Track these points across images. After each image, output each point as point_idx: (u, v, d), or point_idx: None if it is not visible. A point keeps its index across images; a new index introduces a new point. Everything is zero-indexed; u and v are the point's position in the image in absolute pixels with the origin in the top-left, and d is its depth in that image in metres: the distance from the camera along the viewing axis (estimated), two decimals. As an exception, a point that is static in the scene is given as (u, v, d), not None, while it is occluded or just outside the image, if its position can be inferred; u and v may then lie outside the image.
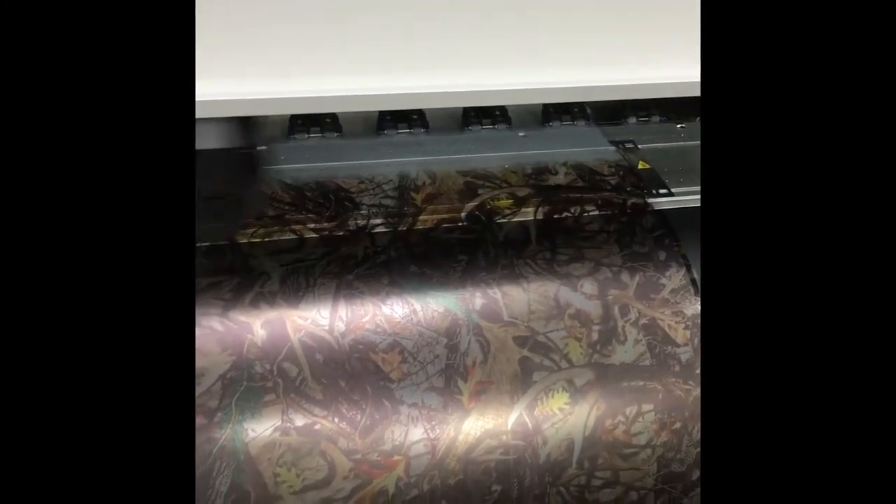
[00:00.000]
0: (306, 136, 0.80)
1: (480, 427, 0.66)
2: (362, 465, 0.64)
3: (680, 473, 0.70)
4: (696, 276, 0.73)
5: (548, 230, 0.74)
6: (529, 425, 0.67)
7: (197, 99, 0.55)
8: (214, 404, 0.62)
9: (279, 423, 0.62)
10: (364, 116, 0.83)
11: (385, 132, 0.82)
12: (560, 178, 0.79)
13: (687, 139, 0.88)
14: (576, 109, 0.88)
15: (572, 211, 0.76)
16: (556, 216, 0.75)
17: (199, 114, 0.55)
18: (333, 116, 0.81)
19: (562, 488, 0.68)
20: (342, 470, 0.63)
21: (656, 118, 0.90)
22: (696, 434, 0.70)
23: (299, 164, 0.77)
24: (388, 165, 0.78)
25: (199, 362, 0.62)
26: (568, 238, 0.73)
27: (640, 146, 0.85)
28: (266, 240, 0.68)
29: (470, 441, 0.66)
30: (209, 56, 0.55)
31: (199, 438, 0.61)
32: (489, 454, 0.66)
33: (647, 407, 0.69)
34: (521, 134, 0.86)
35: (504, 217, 0.74)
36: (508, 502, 0.67)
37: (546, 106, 0.87)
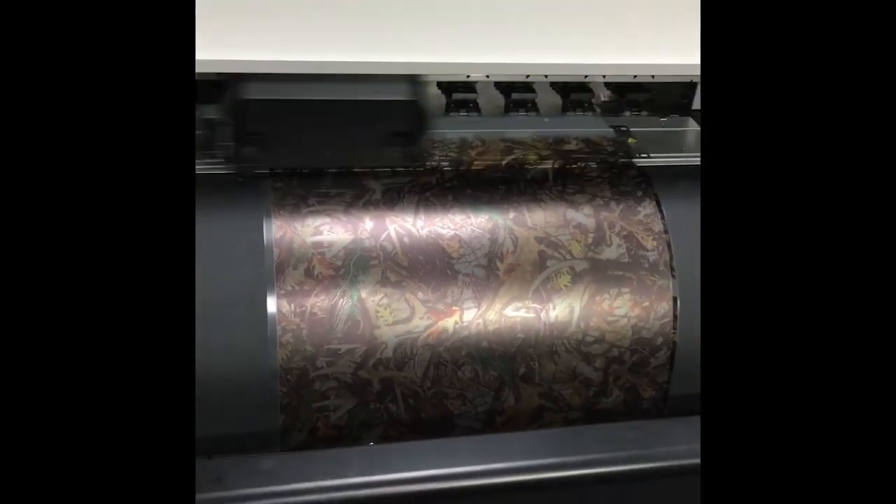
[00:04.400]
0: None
1: (511, 293, 0.99)
2: (432, 311, 0.97)
3: (648, 339, 1.02)
4: (663, 207, 1.05)
5: (561, 174, 1.07)
6: (543, 294, 1.00)
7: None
8: (339, 263, 0.96)
9: (379, 278, 0.96)
10: (437, 103, 1.18)
11: (450, 114, 1.17)
12: (572, 146, 1.13)
13: (667, 126, 1.22)
14: (586, 104, 1.22)
15: (579, 164, 1.09)
16: (567, 166, 1.09)
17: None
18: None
19: (565, 340, 1.00)
20: (419, 312, 0.96)
21: (645, 113, 1.24)
22: (660, 311, 1.02)
23: None
24: (453, 134, 1.13)
25: (329, 237, 0.96)
26: (575, 179, 1.07)
27: (631, 129, 1.19)
28: (371, 169, 1.03)
29: (504, 301, 0.99)
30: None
31: (330, 285, 0.95)
32: (516, 311, 0.99)
33: (625, 289, 1.01)
34: (545, 119, 1.20)
35: (531, 165, 1.08)
36: (528, 347, 0.99)
37: (565, 101, 1.21)
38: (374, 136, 0.98)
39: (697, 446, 0.88)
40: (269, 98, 0.92)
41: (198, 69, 0.80)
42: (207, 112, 0.97)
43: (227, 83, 0.95)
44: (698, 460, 0.81)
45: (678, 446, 0.94)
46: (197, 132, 0.95)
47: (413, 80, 0.97)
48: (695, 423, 0.95)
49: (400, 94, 0.96)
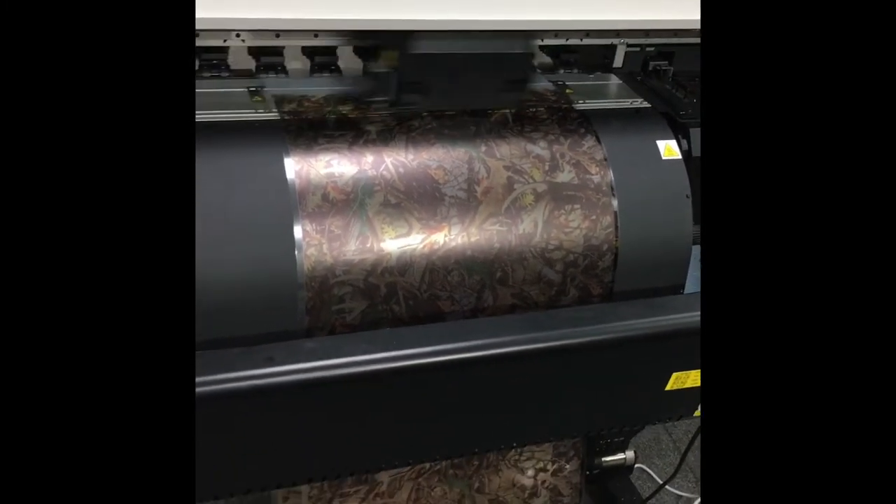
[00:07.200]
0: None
1: (487, 210, 1.21)
2: (426, 227, 1.18)
3: (596, 245, 1.26)
4: (602, 140, 1.30)
5: (518, 118, 1.31)
6: (513, 211, 1.23)
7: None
8: (349, 189, 1.16)
9: (382, 201, 1.17)
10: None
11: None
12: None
13: (595, 80, 1.47)
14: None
15: (532, 109, 1.33)
16: (521, 112, 1.32)
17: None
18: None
19: (531, 249, 1.23)
20: (416, 228, 1.17)
21: (576, 71, 1.49)
22: (605, 223, 1.26)
23: None
24: None
25: (339, 169, 1.16)
26: (530, 121, 1.31)
27: (567, 83, 1.44)
28: (363, 116, 1.24)
29: (482, 217, 1.21)
30: None
31: (343, 207, 1.14)
32: (492, 225, 1.21)
33: (576, 206, 1.26)
34: None
35: (492, 111, 1.31)
36: (503, 254, 1.22)
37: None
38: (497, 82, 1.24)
39: (642, 320, 1.14)
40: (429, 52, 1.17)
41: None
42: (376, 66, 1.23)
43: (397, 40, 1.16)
44: (647, 331, 1.07)
45: (628, 321, 1.19)
46: (365, 83, 1.24)
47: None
48: (637, 304, 1.21)
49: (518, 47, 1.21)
